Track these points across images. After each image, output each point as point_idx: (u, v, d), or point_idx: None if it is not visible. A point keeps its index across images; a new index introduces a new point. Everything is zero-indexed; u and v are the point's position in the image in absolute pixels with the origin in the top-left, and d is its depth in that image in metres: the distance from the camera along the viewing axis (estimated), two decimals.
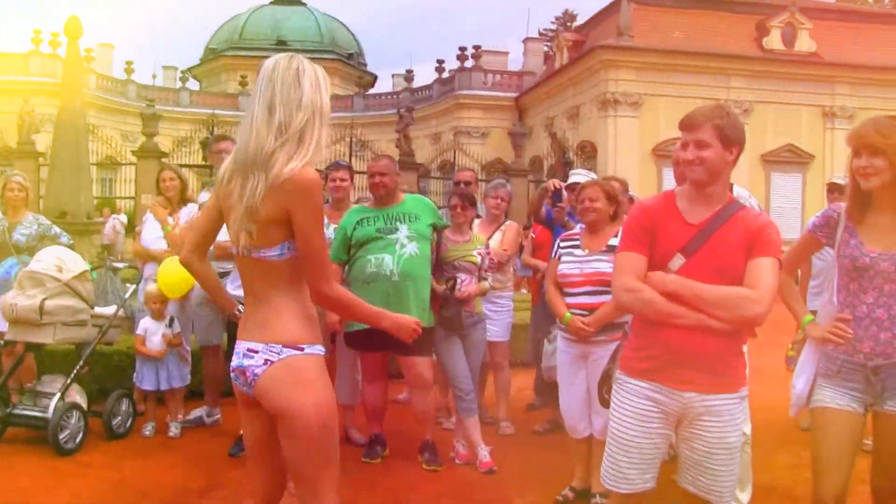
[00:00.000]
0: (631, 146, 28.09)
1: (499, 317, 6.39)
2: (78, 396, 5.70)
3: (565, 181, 6.76)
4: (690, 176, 3.03)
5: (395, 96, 41.55)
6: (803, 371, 3.31)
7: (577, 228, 5.64)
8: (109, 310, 5.93)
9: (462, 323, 5.54)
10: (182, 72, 44.68)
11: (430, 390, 5.62)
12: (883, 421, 3.16)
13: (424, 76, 41.03)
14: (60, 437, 5.39)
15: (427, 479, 5.28)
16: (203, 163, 24.31)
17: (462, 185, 6.58)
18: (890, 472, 3.20)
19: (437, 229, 5.60)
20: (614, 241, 4.64)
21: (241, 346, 2.66)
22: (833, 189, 6.87)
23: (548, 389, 6.11)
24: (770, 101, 28.99)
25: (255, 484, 2.86)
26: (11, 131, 30.50)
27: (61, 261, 5.68)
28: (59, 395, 5.49)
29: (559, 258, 4.93)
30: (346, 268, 5.47)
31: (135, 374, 6.20)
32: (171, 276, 5.80)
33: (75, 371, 5.67)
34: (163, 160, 22.00)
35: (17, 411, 5.63)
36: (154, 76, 44.34)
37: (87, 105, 12.86)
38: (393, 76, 47.83)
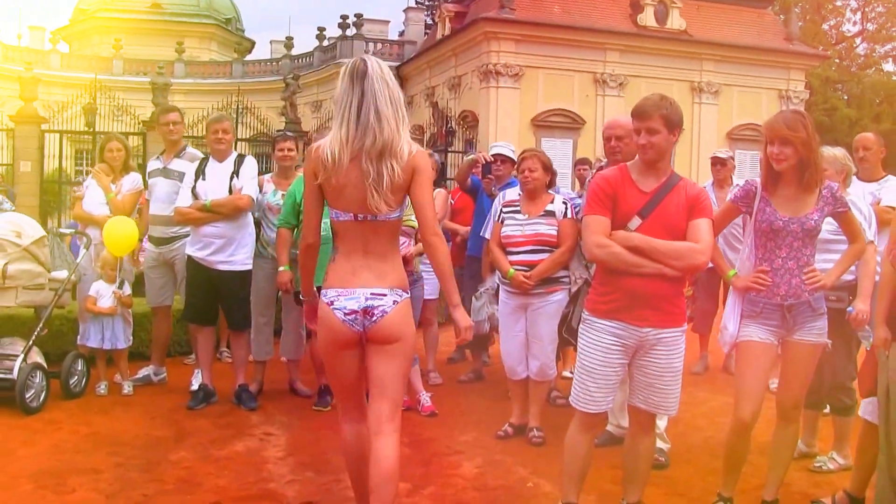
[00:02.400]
0: (511, 116, 28.92)
1: (429, 276, 6.92)
2: (38, 357, 5.91)
3: (447, 150, 7.41)
4: (643, 157, 3.71)
5: (275, 63, 41.17)
6: (731, 315, 4.04)
7: (500, 195, 6.30)
8: (62, 274, 6.14)
9: None
10: (52, 33, 42.85)
11: None
12: (790, 347, 3.99)
13: (304, 43, 40.76)
14: (27, 395, 5.62)
15: None
16: (86, 129, 23.79)
17: None
18: (792, 387, 4.06)
19: None
20: (551, 207, 5.37)
21: (360, 292, 3.29)
22: (716, 162, 7.72)
23: (474, 343, 6.78)
24: (643, 75, 30.32)
25: (353, 409, 3.56)
26: None
27: (19, 226, 5.88)
28: (22, 356, 5.71)
29: (502, 221, 5.53)
30: (295, 231, 5.87)
31: (79, 336, 6.47)
32: (116, 235, 6.10)
33: (36, 333, 5.89)
34: (42, 126, 21.45)
35: None
36: (20, 37, 42.42)
37: None
38: (272, 42, 47.27)
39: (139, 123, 24.53)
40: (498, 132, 27.95)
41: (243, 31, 52.06)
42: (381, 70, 3.25)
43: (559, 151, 26.40)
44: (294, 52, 39.94)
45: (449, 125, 26.52)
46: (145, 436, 5.30)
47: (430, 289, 6.92)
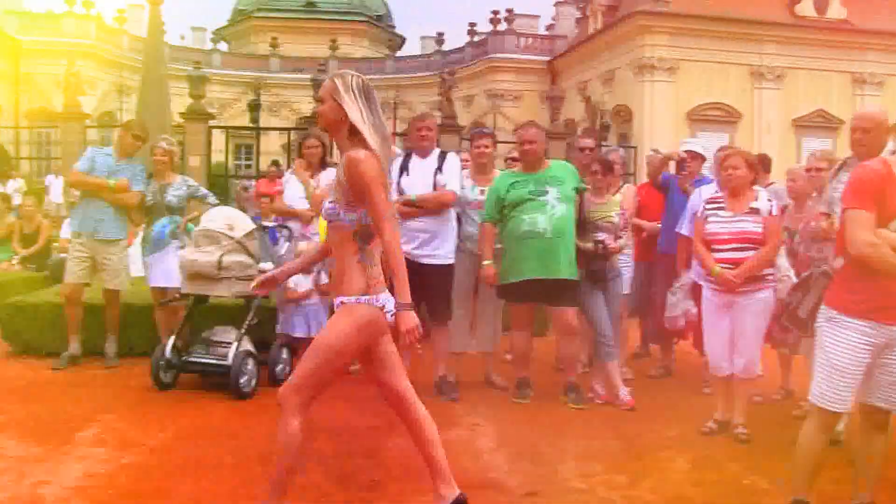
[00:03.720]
0: (666, 110, 28.38)
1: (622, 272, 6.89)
2: (249, 345, 6.18)
3: (601, 145, 7.35)
4: None
5: (426, 59, 41.78)
6: None
7: (697, 192, 6.18)
8: (268, 265, 6.38)
9: (605, 276, 6.07)
10: (213, 33, 44.87)
11: (576, 337, 6.18)
12: None
13: (453, 38, 41.23)
14: (240, 381, 5.89)
15: (575, 416, 5.83)
16: (251, 125, 24.84)
17: (587, 152, 7.03)
18: None
19: (579, 192, 6.08)
20: (755, 204, 5.26)
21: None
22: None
23: (665, 337, 6.73)
24: (801, 67, 29.20)
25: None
26: (49, 93, 31.04)
27: (231, 220, 6.18)
28: (236, 343, 5.98)
29: (706, 219, 5.42)
30: (500, 226, 5.95)
31: (280, 324, 6.73)
32: None
33: (247, 322, 6.16)
34: (210, 122, 22.45)
35: (192, 359, 6.15)
36: (182, 37, 44.55)
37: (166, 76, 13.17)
38: (422, 38, 47.91)
39: (299, 119, 25.38)
40: (653, 127, 27.48)
41: (394, 27, 52.99)
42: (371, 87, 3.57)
43: (715, 146, 25.70)
44: (444, 47, 40.40)
45: (604, 119, 26.27)
46: (356, 423, 5.46)
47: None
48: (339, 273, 3.56)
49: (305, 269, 5.14)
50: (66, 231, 10.53)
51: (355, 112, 3.47)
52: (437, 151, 6.22)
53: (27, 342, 7.30)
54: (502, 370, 6.69)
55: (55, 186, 21.27)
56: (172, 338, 6.19)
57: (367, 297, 3.48)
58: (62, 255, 8.96)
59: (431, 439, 3.82)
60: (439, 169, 6.02)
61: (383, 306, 3.51)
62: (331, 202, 3.55)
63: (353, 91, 3.48)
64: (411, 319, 3.44)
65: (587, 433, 5.42)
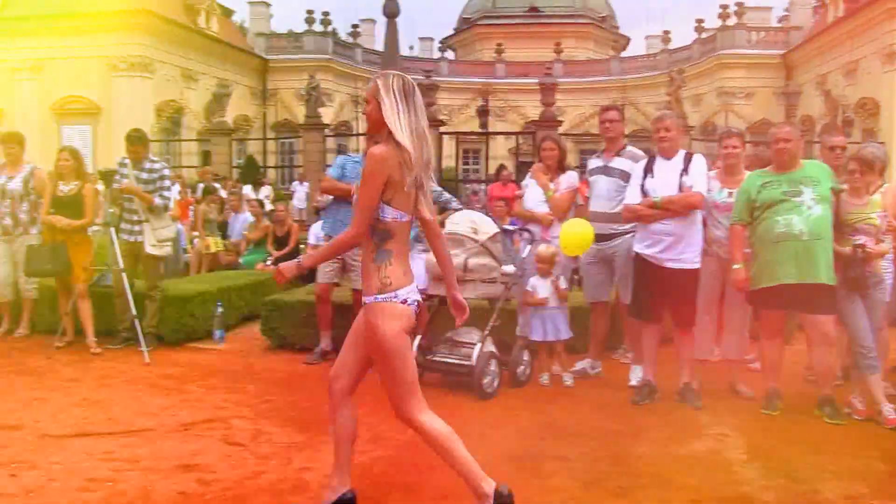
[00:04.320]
0: None
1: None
2: (492, 346, 6.28)
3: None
4: None
5: (652, 58, 40.96)
6: None
7: None
8: (511, 268, 6.48)
9: (866, 283, 5.66)
10: (440, 42, 46.21)
11: (833, 347, 5.80)
12: None
13: (680, 37, 40.15)
14: (483, 382, 6.01)
15: (832, 431, 5.45)
16: (479, 130, 25.37)
17: (838, 151, 6.61)
18: None
19: (835, 193, 5.72)
20: None
21: (414, 286, 3.72)
22: None
23: None
24: None
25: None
26: (292, 105, 33.13)
27: (475, 223, 6.32)
28: (479, 344, 6.11)
29: None
30: (749, 229, 5.72)
31: (520, 327, 6.81)
32: (572, 235, 6.30)
33: (490, 323, 6.28)
34: (440, 129, 23.14)
35: (437, 358, 6.34)
36: (411, 48, 46.22)
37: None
38: (647, 38, 47.01)
39: (525, 123, 25.63)
40: None
41: (618, 27, 52.36)
42: (418, 88, 3.66)
43: None
44: (671, 45, 39.43)
45: (846, 114, 24.64)
46: (600, 428, 5.41)
47: None
48: (363, 271, 3.75)
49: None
50: (311, 236, 11.19)
51: (390, 112, 3.56)
52: (682, 153, 6.05)
53: (283, 337, 7.81)
54: (747, 379, 6.40)
55: (299, 192, 22.69)
56: (418, 337, 6.41)
57: (383, 295, 3.62)
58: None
59: (443, 445, 3.79)
60: (685, 170, 5.86)
61: (405, 300, 3.65)
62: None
63: (392, 91, 3.58)
64: (289, 269, 3.71)
65: (847, 451, 5.05)
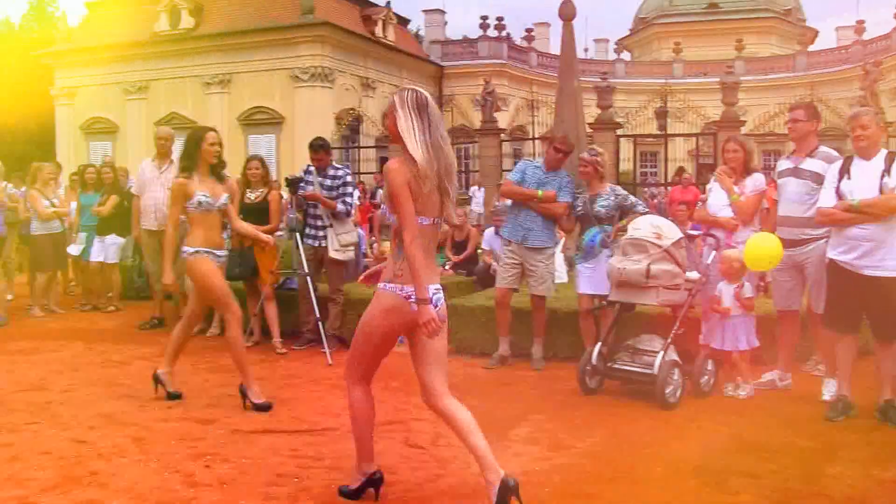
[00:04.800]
0: None
1: None
2: (674, 355, 6.10)
3: None
4: None
5: (844, 51, 38.73)
6: None
7: None
8: (695, 274, 6.27)
9: None
10: (616, 43, 45.60)
11: None
12: None
13: (875, 25, 37.76)
14: (665, 391, 5.84)
15: None
16: (657, 132, 24.84)
17: None
18: None
19: None
20: None
21: (431, 288, 3.85)
22: None
23: None
24: None
25: (375, 369, 4.23)
26: (467, 111, 33.52)
27: (658, 228, 6.15)
28: (662, 353, 5.95)
29: None
30: None
31: (702, 335, 6.58)
32: (757, 249, 6.04)
33: (673, 331, 6.10)
34: (617, 132, 22.79)
35: (617, 366, 6.23)
36: (586, 49, 45.72)
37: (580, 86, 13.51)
38: (837, 29, 44.43)
39: (705, 124, 24.84)
40: None
41: (804, 20, 49.87)
42: (434, 101, 3.94)
43: None
44: (865, 36, 37.16)
45: None
46: (791, 444, 5.12)
47: None
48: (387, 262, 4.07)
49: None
50: (485, 241, 11.27)
51: (403, 125, 3.85)
52: (883, 152, 5.65)
53: (462, 341, 7.87)
54: None
55: (477, 197, 22.90)
56: (598, 344, 6.32)
57: (392, 285, 3.88)
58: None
59: (465, 430, 4.10)
60: (887, 171, 5.46)
61: (409, 296, 3.82)
62: (384, 204, 3.87)
63: (406, 106, 3.86)
64: (426, 313, 3.78)
65: None
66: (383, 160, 27.22)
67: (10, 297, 11.02)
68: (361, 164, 27.89)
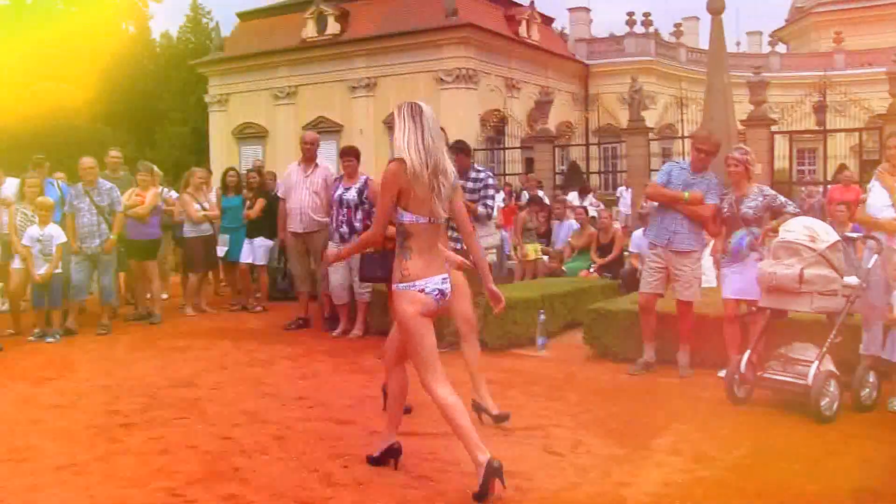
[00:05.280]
0: None
1: None
2: (831, 365, 5.76)
3: None
4: None
5: None
6: None
7: None
8: (854, 280, 5.90)
9: None
10: (770, 35, 43.84)
11: None
12: None
13: None
14: (821, 403, 5.52)
15: None
16: (815, 127, 23.70)
17: None
18: None
19: None
20: None
21: (436, 279, 4.36)
22: None
23: None
24: None
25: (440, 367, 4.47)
26: (614, 110, 32.98)
27: (812, 230, 5.83)
28: (817, 362, 5.62)
29: None
30: None
31: (863, 345, 6.20)
32: None
33: (829, 340, 5.75)
34: (772, 128, 21.84)
35: (768, 375, 5.94)
36: (738, 43, 44.12)
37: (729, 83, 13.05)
38: None
39: (870, 118, 23.51)
40: None
41: None
42: (429, 108, 4.41)
43: None
44: None
45: None
46: None
47: None
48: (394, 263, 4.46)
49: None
50: (632, 244, 11.03)
51: (398, 132, 4.35)
52: None
53: (606, 346, 7.72)
54: None
55: (624, 198, 22.52)
56: (748, 352, 6.03)
57: (403, 284, 4.34)
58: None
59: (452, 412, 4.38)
60: None
61: (422, 289, 4.31)
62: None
63: (403, 115, 4.36)
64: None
65: None
66: (529, 161, 27.20)
67: (164, 296, 11.61)
68: (507, 166, 27.88)
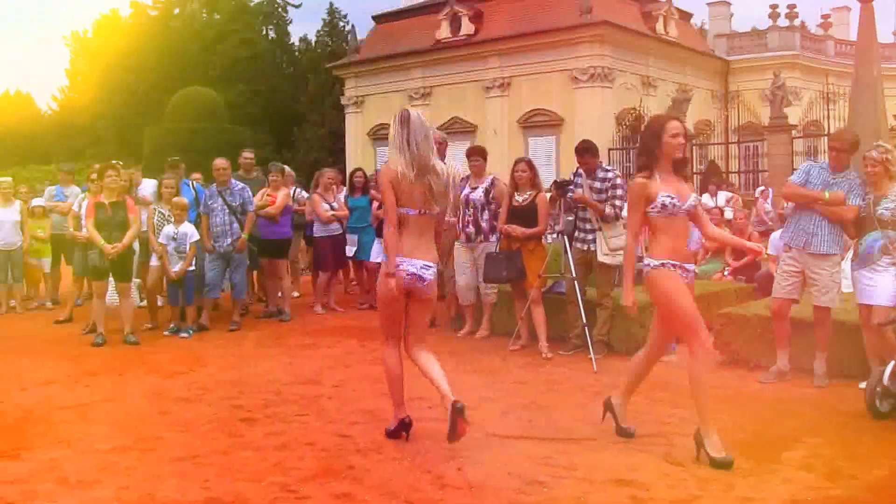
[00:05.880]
0: None
1: None
2: None
3: None
4: None
5: None
6: None
7: None
8: None
9: None
10: None
11: None
12: None
13: None
14: None
15: None
16: None
17: None
18: None
19: None
20: None
21: (416, 262, 5.06)
22: None
23: None
24: None
25: (398, 331, 5.25)
26: (755, 107, 31.83)
27: None
28: None
29: None
30: None
31: None
32: None
33: None
34: None
35: None
36: (895, 33, 41.72)
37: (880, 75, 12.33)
38: None
39: None
40: None
41: None
42: (418, 115, 5.05)
43: None
44: None
45: None
46: None
47: None
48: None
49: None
50: (771, 246, 10.57)
51: (391, 137, 5.12)
52: None
53: (737, 352, 7.43)
54: None
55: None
56: (893, 363, 5.65)
57: (383, 256, 5.30)
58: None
59: (427, 366, 5.22)
60: None
61: (399, 266, 5.02)
62: None
63: (396, 122, 5.08)
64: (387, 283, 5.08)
65: None
66: None
67: (296, 294, 11.91)
68: None
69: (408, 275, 5.02)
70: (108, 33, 51.62)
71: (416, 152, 4.97)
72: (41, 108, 62.57)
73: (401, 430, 5.25)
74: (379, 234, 10.73)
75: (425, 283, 5.08)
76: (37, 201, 11.99)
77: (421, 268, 5.05)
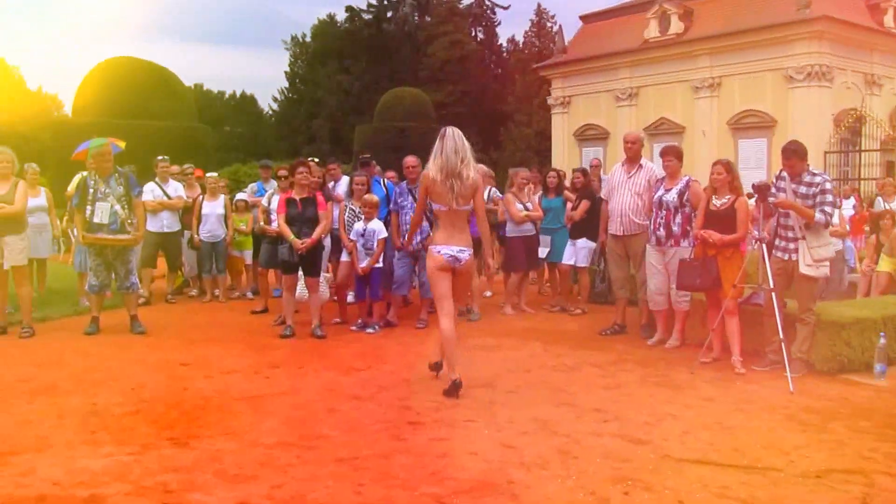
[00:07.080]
0: None
1: None
2: None
3: None
4: None
5: None
6: None
7: None
8: None
9: None
10: None
11: None
12: None
13: None
14: None
15: None
16: None
17: None
18: None
19: None
20: None
21: (454, 248, 6.46)
22: None
23: None
24: None
25: (450, 303, 6.51)
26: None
27: None
28: None
29: None
30: None
31: None
32: None
33: None
34: None
35: None
36: None
37: None
38: None
39: None
40: None
41: None
42: (453, 132, 6.46)
43: None
44: None
45: None
46: None
47: None
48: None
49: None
50: None
51: (434, 150, 6.44)
52: None
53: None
54: None
55: None
56: None
57: (430, 246, 6.67)
58: None
59: (447, 339, 6.44)
60: None
61: (439, 251, 6.45)
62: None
63: (439, 135, 6.47)
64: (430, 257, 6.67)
65: None
66: (889, 165, 24.61)
67: (488, 293, 11.82)
68: (862, 170, 25.40)
69: (448, 257, 6.40)
70: (325, 37, 54.15)
71: (445, 161, 6.31)
72: (263, 108, 66.72)
73: (455, 391, 6.27)
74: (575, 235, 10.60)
75: (461, 262, 6.47)
76: (240, 196, 12.56)
77: (458, 251, 6.44)
